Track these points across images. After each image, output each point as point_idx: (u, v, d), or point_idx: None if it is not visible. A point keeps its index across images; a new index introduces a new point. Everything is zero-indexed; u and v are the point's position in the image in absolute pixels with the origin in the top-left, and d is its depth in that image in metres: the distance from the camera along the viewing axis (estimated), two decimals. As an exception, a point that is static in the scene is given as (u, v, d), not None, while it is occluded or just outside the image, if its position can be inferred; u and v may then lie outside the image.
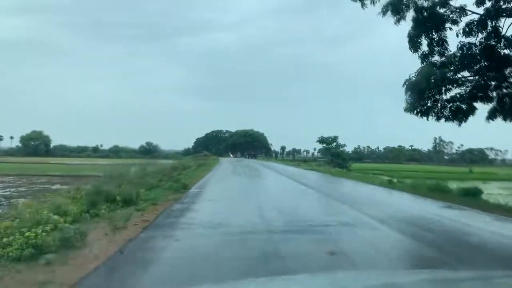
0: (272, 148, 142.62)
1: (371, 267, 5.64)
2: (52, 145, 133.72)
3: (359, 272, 3.82)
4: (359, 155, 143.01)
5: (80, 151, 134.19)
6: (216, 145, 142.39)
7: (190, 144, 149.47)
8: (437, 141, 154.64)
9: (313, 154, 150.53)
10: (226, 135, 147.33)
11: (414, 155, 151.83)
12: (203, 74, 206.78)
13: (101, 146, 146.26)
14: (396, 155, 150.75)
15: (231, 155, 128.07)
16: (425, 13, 13.62)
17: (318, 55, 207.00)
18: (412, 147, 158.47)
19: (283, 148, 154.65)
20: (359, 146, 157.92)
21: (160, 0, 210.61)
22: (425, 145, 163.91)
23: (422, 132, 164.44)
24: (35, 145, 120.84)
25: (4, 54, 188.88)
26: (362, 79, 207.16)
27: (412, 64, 14.83)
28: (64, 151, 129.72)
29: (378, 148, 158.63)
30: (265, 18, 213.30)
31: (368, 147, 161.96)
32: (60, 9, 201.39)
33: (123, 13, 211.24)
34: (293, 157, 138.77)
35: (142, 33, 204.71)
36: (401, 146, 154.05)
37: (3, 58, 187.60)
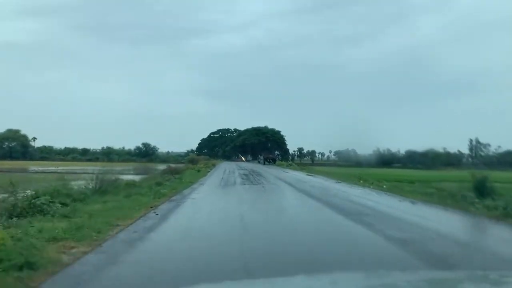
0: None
1: None
2: (36, 147, 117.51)
3: (358, 272, 3.18)
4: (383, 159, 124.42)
5: (66, 154, 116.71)
6: (223, 146, 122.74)
7: (195, 145, 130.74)
8: (473, 142, 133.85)
9: (328, 157, 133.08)
10: (234, 134, 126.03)
11: (450, 159, 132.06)
12: (211, 76, 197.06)
13: (105, 148, 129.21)
14: (432, 159, 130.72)
15: (243, 159, 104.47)
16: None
17: (327, 56, 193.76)
18: (445, 150, 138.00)
19: (300, 150, 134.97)
20: (378, 148, 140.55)
21: (166, 1, 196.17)
22: (456, 147, 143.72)
23: (455, 133, 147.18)
24: (10, 146, 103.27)
25: (10, 57, 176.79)
26: (376, 80, 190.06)
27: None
28: (48, 154, 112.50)
29: (399, 151, 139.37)
30: (273, 19, 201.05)
31: (389, 149, 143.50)
32: (66, 11, 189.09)
33: (129, 14, 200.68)
34: (312, 161, 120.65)
35: (148, 34, 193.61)
36: (433, 149, 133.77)
37: (10, 61, 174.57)
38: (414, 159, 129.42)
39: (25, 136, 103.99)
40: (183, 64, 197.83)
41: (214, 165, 52.28)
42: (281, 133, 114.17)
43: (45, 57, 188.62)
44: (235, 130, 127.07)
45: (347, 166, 63.96)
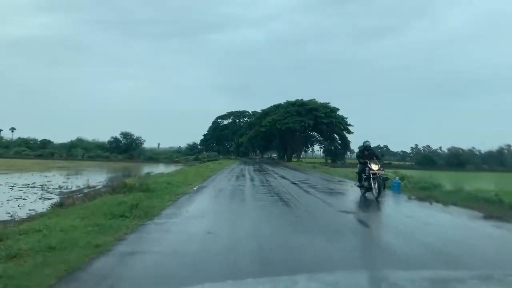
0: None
1: None
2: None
3: (361, 272, 3.19)
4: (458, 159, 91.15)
5: (7, 146, 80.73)
6: (236, 136, 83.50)
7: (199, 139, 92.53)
8: None
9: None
10: (253, 118, 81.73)
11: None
12: (229, 71, 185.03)
13: (75, 140, 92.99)
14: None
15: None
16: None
17: (352, 50, 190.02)
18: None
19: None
20: (416, 145, 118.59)
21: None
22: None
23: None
24: None
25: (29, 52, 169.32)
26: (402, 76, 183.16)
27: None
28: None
29: (440, 148, 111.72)
30: (295, 13, 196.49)
31: (428, 146, 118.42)
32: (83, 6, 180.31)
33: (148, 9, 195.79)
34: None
35: (168, 29, 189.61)
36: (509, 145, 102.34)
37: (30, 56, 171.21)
38: (489, 160, 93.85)
39: None
40: (200, 59, 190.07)
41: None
42: (339, 112, 67.14)
43: (58, 52, 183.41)
44: (254, 113, 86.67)
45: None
